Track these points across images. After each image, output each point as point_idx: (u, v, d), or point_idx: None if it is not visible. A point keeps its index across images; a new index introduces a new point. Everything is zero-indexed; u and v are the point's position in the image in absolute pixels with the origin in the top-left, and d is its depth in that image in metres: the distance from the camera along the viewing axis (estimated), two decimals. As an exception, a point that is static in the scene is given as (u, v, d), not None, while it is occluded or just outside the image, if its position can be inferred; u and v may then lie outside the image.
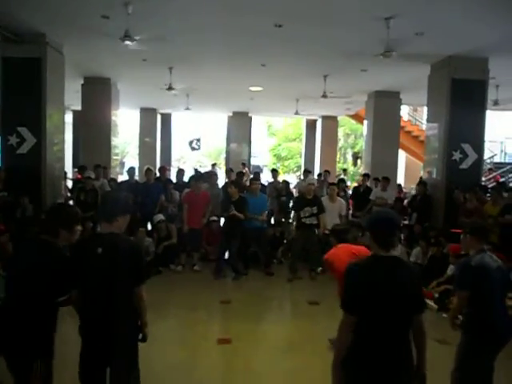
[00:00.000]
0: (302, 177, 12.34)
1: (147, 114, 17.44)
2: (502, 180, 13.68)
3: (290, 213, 9.56)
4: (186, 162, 30.59)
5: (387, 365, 2.29)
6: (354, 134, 26.28)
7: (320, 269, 7.30)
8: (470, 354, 3.05)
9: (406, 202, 9.44)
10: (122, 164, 21.78)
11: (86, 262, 2.64)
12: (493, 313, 3.03)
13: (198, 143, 22.79)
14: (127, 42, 6.16)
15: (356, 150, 25.59)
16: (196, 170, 13.23)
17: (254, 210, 7.34)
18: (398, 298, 2.30)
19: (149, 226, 8.48)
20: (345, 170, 17.62)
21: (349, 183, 14.68)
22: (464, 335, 3.10)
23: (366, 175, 10.35)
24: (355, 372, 2.31)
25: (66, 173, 9.75)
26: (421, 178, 9.35)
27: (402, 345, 2.35)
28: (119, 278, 2.59)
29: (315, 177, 12.27)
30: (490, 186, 11.91)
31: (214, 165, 17.04)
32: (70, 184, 10.62)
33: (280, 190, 9.67)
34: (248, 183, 9.13)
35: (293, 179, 17.15)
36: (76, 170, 11.89)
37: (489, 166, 15.41)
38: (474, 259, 3.07)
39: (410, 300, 2.35)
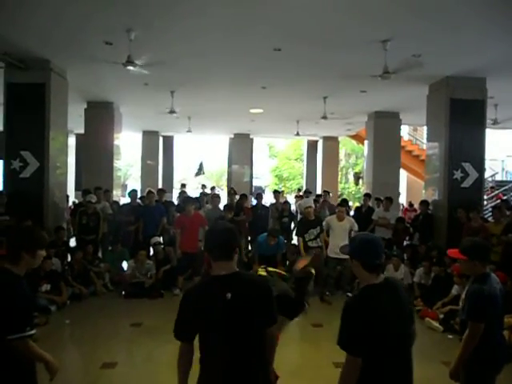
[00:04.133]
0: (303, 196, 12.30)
1: (149, 137, 17.60)
2: (504, 198, 13.65)
3: (291, 233, 9.52)
4: (188, 184, 30.69)
5: None
6: (355, 154, 26.41)
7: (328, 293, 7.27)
8: (474, 381, 2.96)
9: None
10: (125, 187, 21.86)
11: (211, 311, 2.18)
12: (496, 338, 2.96)
13: (201, 169, 22.70)
14: (130, 68, 6.28)
15: (357, 170, 25.65)
16: (182, 191, 13.17)
17: (268, 253, 7.75)
18: (402, 324, 2.23)
19: (151, 249, 8.46)
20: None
21: (350, 203, 14.65)
22: (465, 363, 2.95)
23: (367, 195, 10.34)
24: None
25: (68, 196, 9.79)
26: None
27: (411, 367, 2.28)
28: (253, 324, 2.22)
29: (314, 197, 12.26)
30: (491, 204, 11.89)
31: (213, 188, 16.97)
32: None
33: (282, 211, 9.68)
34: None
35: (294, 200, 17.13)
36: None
37: (490, 185, 15.41)
38: (485, 287, 2.88)
39: (411, 321, 2.31)
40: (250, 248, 9.23)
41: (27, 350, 2.36)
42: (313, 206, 7.70)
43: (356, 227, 7.80)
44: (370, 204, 10.03)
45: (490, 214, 9.29)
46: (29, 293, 2.46)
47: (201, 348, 2.22)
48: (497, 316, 2.97)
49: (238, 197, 10.26)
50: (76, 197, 13.91)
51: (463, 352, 2.92)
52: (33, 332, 2.37)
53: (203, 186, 16.30)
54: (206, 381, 2.21)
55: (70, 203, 11.64)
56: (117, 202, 9.98)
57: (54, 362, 2.49)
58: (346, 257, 5.69)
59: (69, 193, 10.01)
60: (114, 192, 11.15)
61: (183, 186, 15.03)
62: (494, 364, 2.99)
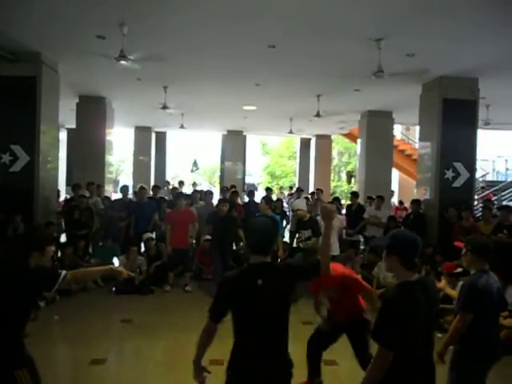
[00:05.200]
0: (295, 194, 12.27)
1: (142, 133, 17.48)
2: (494, 198, 13.76)
3: (283, 231, 9.50)
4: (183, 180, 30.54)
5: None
6: (347, 153, 26.48)
7: None
8: (465, 375, 3.00)
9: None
10: (117, 182, 21.71)
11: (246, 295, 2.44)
12: (489, 334, 3.01)
13: (195, 165, 22.44)
14: (122, 62, 6.22)
15: (350, 168, 25.73)
16: (174, 187, 12.95)
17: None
18: (430, 321, 2.37)
19: (142, 245, 8.42)
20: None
21: (343, 202, 14.67)
22: (457, 356, 3.02)
23: (353, 194, 10.33)
24: None
25: (59, 191, 9.71)
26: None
27: (432, 359, 2.43)
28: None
29: (308, 195, 12.26)
30: (482, 204, 11.97)
31: (194, 184, 16.73)
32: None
33: (274, 208, 9.66)
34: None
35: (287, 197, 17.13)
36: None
37: (481, 185, 15.53)
38: (480, 281, 2.98)
39: (435, 320, 2.51)
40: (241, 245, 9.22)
41: (74, 280, 2.79)
42: (303, 208, 7.27)
43: (343, 223, 7.83)
44: (361, 202, 10.06)
45: (481, 213, 9.35)
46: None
47: (235, 327, 2.49)
48: (490, 312, 3.02)
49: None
50: (67, 192, 13.79)
51: (449, 339, 3.04)
52: (62, 274, 2.62)
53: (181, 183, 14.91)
54: (238, 355, 2.46)
55: (62, 198, 11.53)
56: (108, 198, 9.92)
57: (112, 268, 2.98)
58: (336, 253, 6.00)
59: (59, 188, 9.91)
60: (106, 187, 11.08)
61: (181, 183, 14.42)
62: (484, 360, 3.03)
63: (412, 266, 2.34)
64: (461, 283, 3.22)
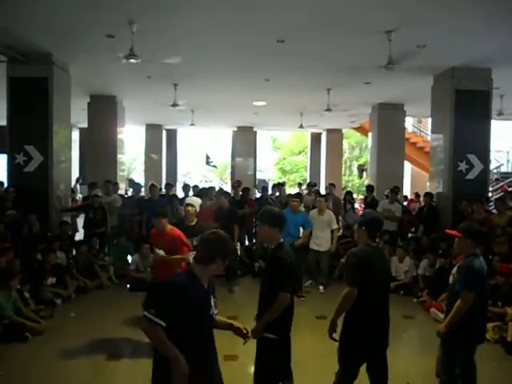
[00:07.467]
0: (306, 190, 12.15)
1: (153, 130, 17.59)
2: (509, 189, 13.57)
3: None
4: (191, 177, 30.68)
5: (382, 323, 3.23)
6: (359, 147, 26.27)
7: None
8: (452, 355, 3.21)
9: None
10: (131, 180, 21.82)
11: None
12: (482, 314, 3.22)
13: (210, 160, 22.06)
14: (132, 61, 6.25)
15: (361, 162, 25.53)
16: (185, 185, 12.77)
17: (291, 227, 6.67)
18: (385, 272, 3.38)
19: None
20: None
21: (355, 196, 14.61)
22: (449, 337, 3.21)
23: (368, 187, 10.41)
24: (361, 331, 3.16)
25: (72, 190, 9.82)
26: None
27: (387, 306, 3.29)
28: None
29: (322, 191, 12.17)
30: (496, 196, 11.82)
31: (238, 182, 16.33)
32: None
33: (286, 203, 9.64)
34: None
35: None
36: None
37: (496, 176, 15.30)
38: (475, 263, 3.18)
39: (390, 273, 3.71)
40: (254, 241, 9.23)
41: (145, 330, 2.63)
42: (195, 205, 5.66)
43: (334, 225, 7.43)
44: (376, 196, 10.04)
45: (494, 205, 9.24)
46: (185, 292, 2.47)
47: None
48: (483, 294, 3.19)
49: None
50: (81, 190, 13.96)
51: (452, 318, 3.17)
52: (160, 322, 2.48)
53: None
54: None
55: (78, 197, 11.66)
56: (122, 196, 9.99)
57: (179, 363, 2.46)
58: (325, 249, 7.12)
59: (72, 187, 10.02)
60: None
61: (239, 182, 12.79)
62: (470, 342, 3.24)
63: (373, 238, 3.30)
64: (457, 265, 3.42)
